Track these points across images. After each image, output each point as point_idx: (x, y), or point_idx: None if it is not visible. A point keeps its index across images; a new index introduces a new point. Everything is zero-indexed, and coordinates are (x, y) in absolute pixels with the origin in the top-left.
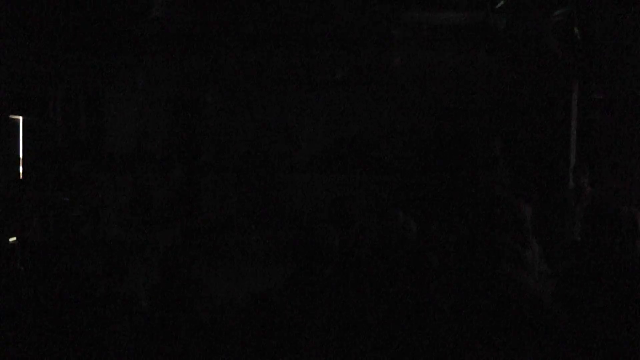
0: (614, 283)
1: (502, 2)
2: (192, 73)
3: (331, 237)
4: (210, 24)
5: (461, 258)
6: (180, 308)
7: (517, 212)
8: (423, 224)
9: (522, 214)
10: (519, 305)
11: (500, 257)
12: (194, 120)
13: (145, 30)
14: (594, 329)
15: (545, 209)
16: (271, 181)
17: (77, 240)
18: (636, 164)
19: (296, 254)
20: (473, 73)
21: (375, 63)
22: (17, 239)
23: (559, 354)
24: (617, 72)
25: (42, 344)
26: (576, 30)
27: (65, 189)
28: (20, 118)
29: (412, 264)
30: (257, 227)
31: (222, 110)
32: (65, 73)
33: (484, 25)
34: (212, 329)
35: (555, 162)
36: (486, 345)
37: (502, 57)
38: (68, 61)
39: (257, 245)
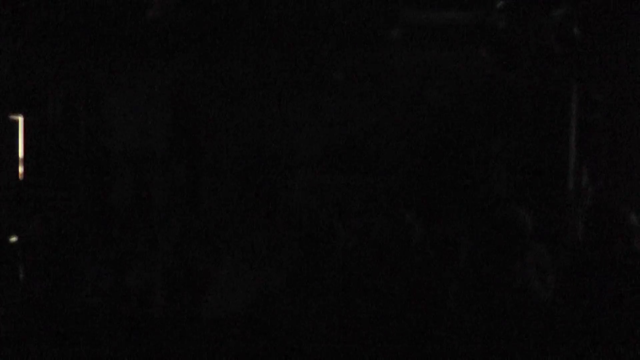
0: (615, 283)
1: (502, 2)
2: (192, 73)
3: (336, 236)
4: (210, 24)
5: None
6: (183, 307)
7: (517, 217)
8: (426, 223)
9: (522, 219)
10: (525, 305)
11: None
12: (194, 120)
13: (145, 30)
14: (596, 329)
15: (545, 210)
16: (271, 181)
17: (78, 239)
18: (636, 164)
19: (301, 252)
20: (473, 73)
21: (375, 63)
22: (17, 239)
23: (560, 353)
24: (617, 72)
25: (42, 344)
26: (576, 30)
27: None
28: (20, 118)
29: (416, 264)
30: (257, 227)
31: (222, 110)
32: (65, 73)
33: (484, 25)
34: (214, 328)
35: (555, 163)
36: (489, 344)
37: (502, 57)
38: (68, 61)
39: (257, 245)
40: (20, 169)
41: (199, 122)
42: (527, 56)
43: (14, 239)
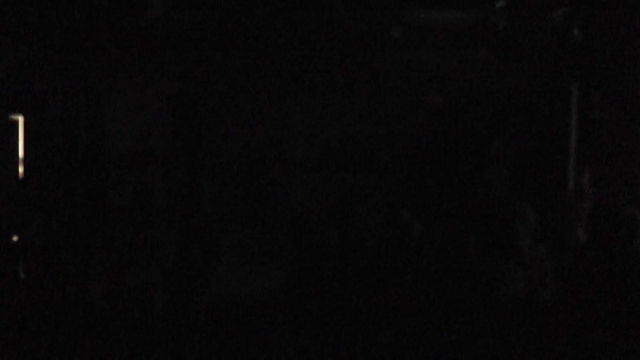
0: (615, 283)
1: (502, 2)
2: (192, 73)
3: (331, 235)
4: (210, 24)
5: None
6: (182, 307)
7: (520, 215)
8: (426, 223)
9: (525, 217)
10: (525, 305)
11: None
12: (194, 120)
13: (145, 30)
14: (596, 329)
15: (546, 210)
16: (270, 181)
17: (78, 239)
18: (636, 164)
19: (296, 252)
20: (473, 73)
21: (375, 63)
22: (17, 239)
23: (560, 353)
24: (616, 72)
25: (42, 344)
26: (576, 30)
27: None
28: (20, 118)
29: (416, 263)
30: (257, 227)
31: (221, 110)
32: (65, 73)
33: (484, 25)
34: (213, 327)
35: (555, 163)
36: (486, 344)
37: (502, 57)
38: (68, 61)
39: (257, 245)
40: (20, 169)
41: (199, 123)
42: (527, 56)
43: (14, 238)
